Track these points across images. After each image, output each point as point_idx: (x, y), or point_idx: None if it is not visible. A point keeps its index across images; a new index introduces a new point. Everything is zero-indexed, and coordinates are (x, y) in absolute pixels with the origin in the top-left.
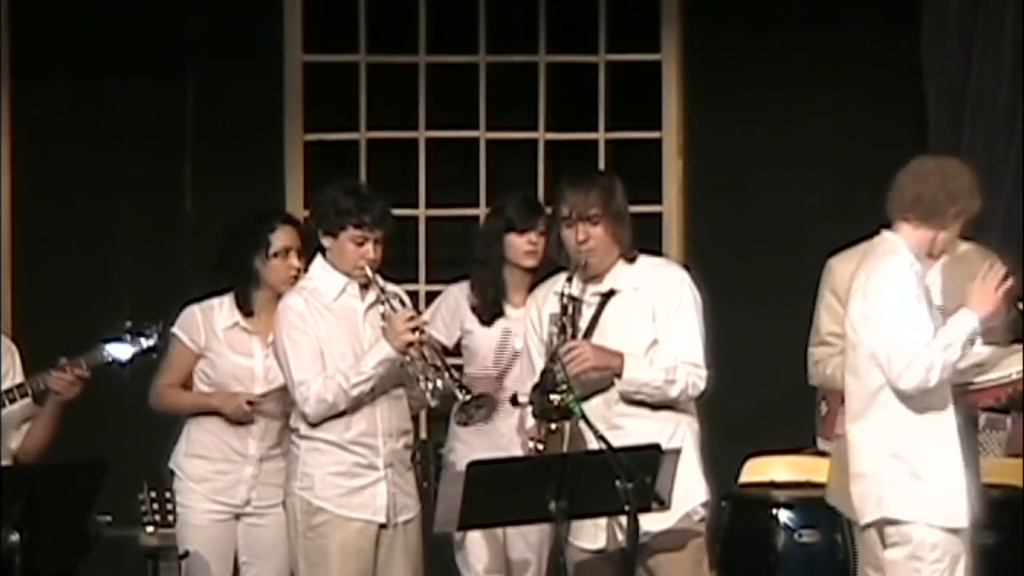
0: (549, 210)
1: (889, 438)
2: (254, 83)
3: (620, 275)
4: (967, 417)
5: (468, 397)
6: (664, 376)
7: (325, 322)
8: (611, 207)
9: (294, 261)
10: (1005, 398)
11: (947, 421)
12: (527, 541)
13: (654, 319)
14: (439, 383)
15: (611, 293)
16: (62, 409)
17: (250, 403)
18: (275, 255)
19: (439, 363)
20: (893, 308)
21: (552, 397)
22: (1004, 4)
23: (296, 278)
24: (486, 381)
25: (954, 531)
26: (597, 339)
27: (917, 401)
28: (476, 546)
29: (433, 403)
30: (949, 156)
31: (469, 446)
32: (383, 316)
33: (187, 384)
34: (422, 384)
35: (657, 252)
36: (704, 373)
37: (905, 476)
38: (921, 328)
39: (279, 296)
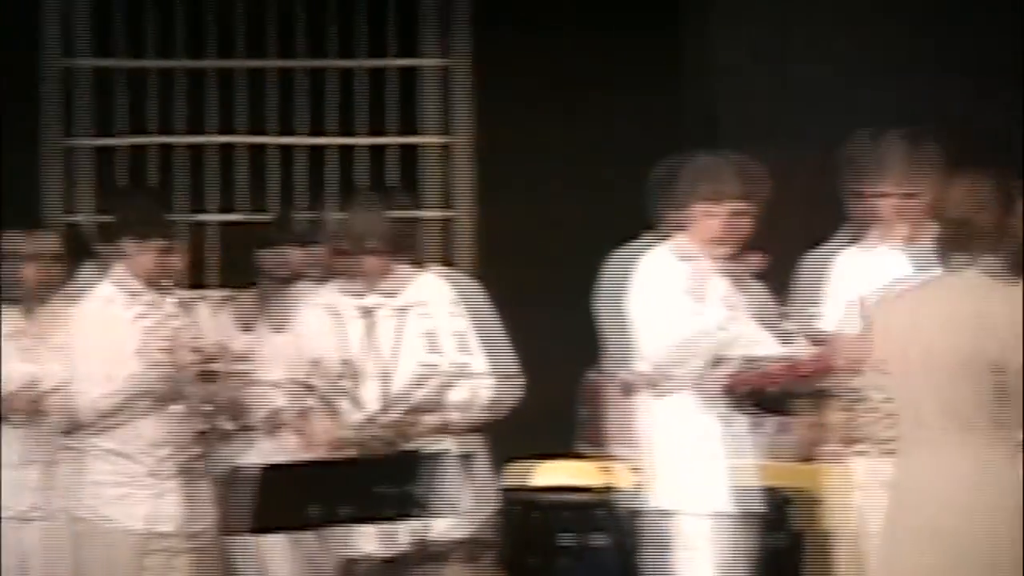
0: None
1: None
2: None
3: (404, 286)
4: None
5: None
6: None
7: (106, 331)
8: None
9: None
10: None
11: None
12: (307, 548)
13: (438, 336)
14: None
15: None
16: None
17: None
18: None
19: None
20: None
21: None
22: None
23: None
24: None
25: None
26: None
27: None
28: (267, 553)
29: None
30: None
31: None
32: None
33: None
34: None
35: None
36: (490, 381)
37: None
38: None
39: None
